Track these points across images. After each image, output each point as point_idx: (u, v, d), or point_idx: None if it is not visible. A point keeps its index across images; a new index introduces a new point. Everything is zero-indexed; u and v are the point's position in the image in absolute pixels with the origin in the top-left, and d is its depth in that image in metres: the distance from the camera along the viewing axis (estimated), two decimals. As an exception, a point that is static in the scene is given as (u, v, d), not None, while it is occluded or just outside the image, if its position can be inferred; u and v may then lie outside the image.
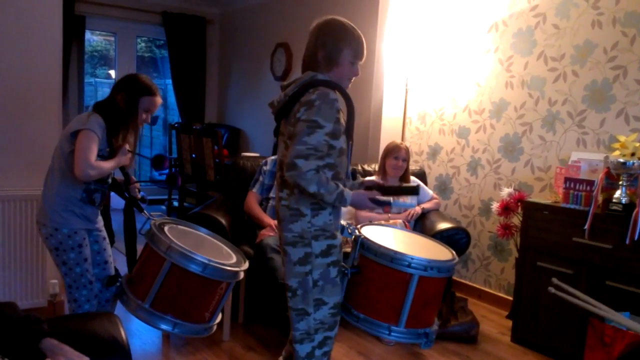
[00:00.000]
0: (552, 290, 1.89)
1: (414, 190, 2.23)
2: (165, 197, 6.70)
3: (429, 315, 2.06)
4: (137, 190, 2.50)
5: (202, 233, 2.49)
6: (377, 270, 1.99)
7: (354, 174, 2.19)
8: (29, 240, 3.08)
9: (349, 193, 1.96)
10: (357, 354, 2.99)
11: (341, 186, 1.95)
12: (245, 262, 2.28)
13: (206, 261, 2.06)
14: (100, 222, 2.47)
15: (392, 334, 1.97)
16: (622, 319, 1.77)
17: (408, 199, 3.66)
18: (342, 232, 2.09)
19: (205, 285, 2.11)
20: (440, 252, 2.17)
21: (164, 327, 2.09)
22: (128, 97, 2.31)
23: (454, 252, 2.18)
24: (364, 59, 2.08)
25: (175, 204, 6.29)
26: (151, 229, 2.20)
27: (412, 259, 1.94)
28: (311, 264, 2.00)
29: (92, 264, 2.39)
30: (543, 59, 3.56)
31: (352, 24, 2.05)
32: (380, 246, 1.99)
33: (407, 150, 3.65)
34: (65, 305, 3.33)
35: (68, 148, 2.25)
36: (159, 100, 2.40)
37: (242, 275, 2.22)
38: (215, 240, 2.46)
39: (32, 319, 1.46)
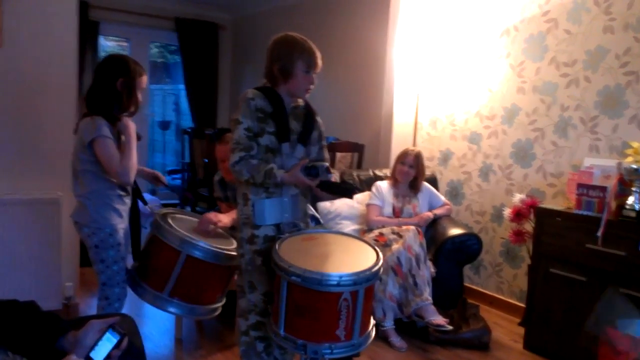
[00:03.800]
0: None
1: (345, 191, 2.16)
2: (178, 201, 6.74)
3: (309, 326, 1.94)
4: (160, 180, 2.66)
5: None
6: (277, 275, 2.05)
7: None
8: (45, 243, 3.12)
9: (280, 171, 2.08)
10: (369, 359, 2.99)
11: (272, 165, 2.08)
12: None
13: (217, 250, 2.32)
14: (127, 219, 2.51)
15: (273, 334, 2.04)
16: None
17: (417, 206, 3.66)
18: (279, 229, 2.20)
19: (216, 271, 2.39)
20: (357, 264, 1.99)
21: (179, 312, 2.37)
22: (126, 81, 2.32)
23: (368, 270, 1.95)
24: (318, 69, 2.18)
25: (188, 208, 6.33)
26: (159, 222, 2.36)
27: (288, 266, 1.92)
28: (243, 248, 2.21)
29: None
30: (555, 65, 3.56)
31: (304, 38, 2.18)
32: (275, 252, 2.02)
33: (417, 156, 3.64)
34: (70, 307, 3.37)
35: (88, 157, 2.29)
36: (146, 77, 2.44)
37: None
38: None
39: (55, 315, 1.50)
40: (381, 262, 2.03)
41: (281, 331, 1.98)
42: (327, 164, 2.24)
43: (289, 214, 2.21)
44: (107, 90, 2.32)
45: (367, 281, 1.93)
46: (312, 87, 2.20)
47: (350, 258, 2.08)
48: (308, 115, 2.27)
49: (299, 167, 2.08)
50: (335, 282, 1.89)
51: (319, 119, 2.33)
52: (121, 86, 2.32)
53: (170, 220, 2.43)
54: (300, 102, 2.29)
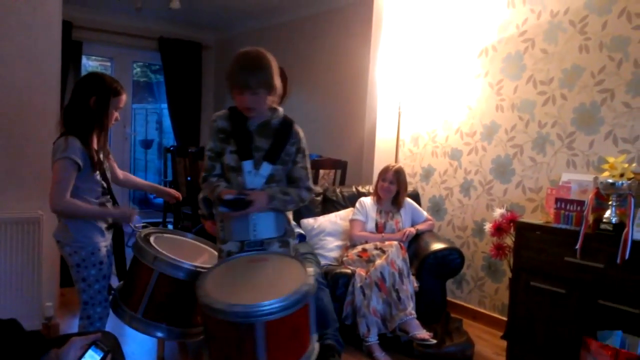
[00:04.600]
0: None
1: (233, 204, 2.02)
2: (160, 219, 6.69)
3: (216, 352, 1.84)
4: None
5: (188, 239, 2.61)
6: None
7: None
8: (25, 263, 3.08)
9: (221, 188, 2.12)
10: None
11: (219, 183, 2.14)
12: None
13: (192, 268, 2.21)
14: (109, 237, 2.47)
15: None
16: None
17: (400, 221, 3.69)
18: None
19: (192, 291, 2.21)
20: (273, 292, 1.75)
21: (159, 334, 2.25)
22: (99, 100, 2.28)
23: (264, 305, 1.68)
24: (249, 90, 2.01)
25: (170, 226, 6.28)
26: (137, 241, 2.30)
27: (197, 287, 1.89)
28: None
29: None
30: (532, 83, 3.65)
31: (247, 55, 2.05)
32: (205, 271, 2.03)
33: (397, 172, 3.67)
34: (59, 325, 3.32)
35: None
36: (125, 96, 2.41)
37: None
38: (202, 245, 2.61)
39: (37, 333, 1.49)
40: (289, 299, 1.71)
41: (207, 352, 1.90)
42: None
43: (257, 231, 2.12)
44: (81, 109, 2.27)
45: (265, 315, 1.65)
46: (249, 107, 2.05)
47: (271, 288, 1.85)
48: (281, 132, 2.15)
49: (226, 192, 2.05)
50: (223, 312, 1.68)
51: (300, 133, 2.21)
52: (95, 104, 2.27)
53: (152, 239, 2.36)
54: (277, 116, 2.18)
